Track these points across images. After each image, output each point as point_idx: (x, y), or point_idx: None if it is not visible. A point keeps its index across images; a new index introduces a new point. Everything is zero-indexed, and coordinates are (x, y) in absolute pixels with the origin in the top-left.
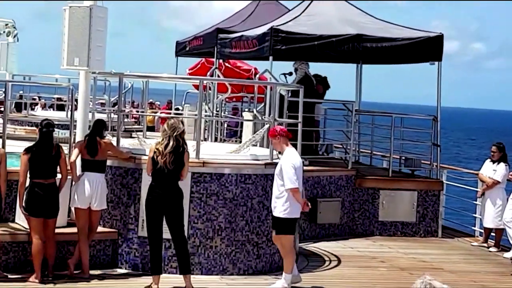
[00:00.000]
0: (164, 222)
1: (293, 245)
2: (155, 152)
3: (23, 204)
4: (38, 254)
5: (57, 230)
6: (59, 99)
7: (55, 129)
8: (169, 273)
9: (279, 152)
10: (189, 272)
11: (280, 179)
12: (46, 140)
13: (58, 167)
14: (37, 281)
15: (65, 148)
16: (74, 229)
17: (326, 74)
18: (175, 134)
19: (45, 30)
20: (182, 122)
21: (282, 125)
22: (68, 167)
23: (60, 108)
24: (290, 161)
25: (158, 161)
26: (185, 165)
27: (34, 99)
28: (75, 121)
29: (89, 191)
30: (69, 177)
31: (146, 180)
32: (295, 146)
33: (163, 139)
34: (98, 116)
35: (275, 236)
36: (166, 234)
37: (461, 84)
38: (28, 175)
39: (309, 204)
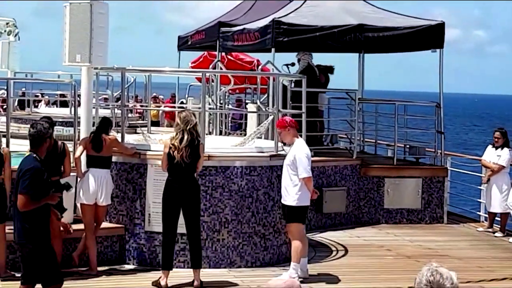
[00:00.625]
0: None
1: (304, 235)
2: (170, 147)
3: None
4: None
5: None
6: (62, 95)
7: (60, 127)
8: (177, 267)
9: (284, 144)
10: (200, 266)
11: (292, 169)
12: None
13: (62, 166)
14: None
15: (69, 145)
16: (80, 226)
17: (328, 63)
18: (188, 127)
19: (47, 28)
20: (194, 115)
21: (287, 116)
22: (73, 164)
23: (64, 104)
24: (303, 151)
25: (174, 156)
26: (200, 157)
27: (37, 96)
28: (79, 117)
29: (94, 187)
30: (73, 174)
31: (152, 175)
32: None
33: (177, 134)
34: (101, 112)
35: (290, 226)
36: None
37: (464, 71)
38: None
39: (317, 191)
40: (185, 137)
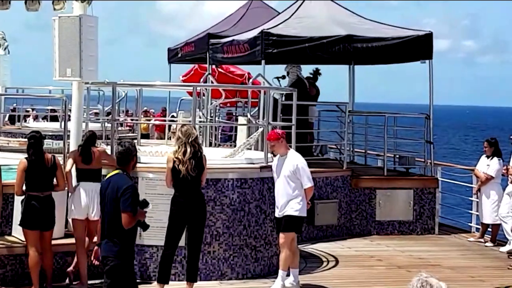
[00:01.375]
0: None
1: (296, 246)
2: (174, 161)
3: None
4: (35, 266)
5: (54, 242)
6: (52, 110)
7: (49, 140)
8: None
9: (274, 155)
10: (195, 280)
11: (293, 180)
12: (36, 149)
13: (55, 179)
14: None
15: (59, 158)
16: (71, 240)
17: (314, 69)
18: (190, 140)
19: (38, 42)
20: (195, 128)
21: (277, 128)
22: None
23: (54, 119)
24: (303, 160)
25: (180, 169)
26: (204, 169)
27: (28, 111)
28: (69, 131)
29: (86, 201)
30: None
31: (143, 188)
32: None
33: (179, 147)
34: (91, 125)
35: (284, 235)
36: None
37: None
38: (24, 188)
39: (309, 202)
40: (188, 149)
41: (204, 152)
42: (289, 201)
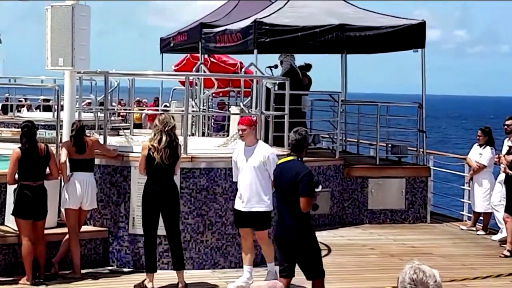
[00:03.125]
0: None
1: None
2: (150, 148)
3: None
4: (28, 255)
5: (47, 231)
6: (45, 100)
7: (42, 130)
8: (161, 269)
9: (244, 143)
10: (183, 267)
11: (261, 171)
12: (29, 138)
13: (48, 168)
14: (28, 283)
15: (52, 149)
16: (64, 230)
17: (312, 65)
18: (166, 128)
19: (30, 32)
20: (173, 117)
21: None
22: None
23: (47, 109)
24: (274, 151)
25: (154, 157)
26: (179, 159)
27: (21, 101)
28: (62, 121)
29: (80, 191)
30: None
31: (136, 178)
32: (282, 138)
33: (155, 135)
34: (84, 116)
35: (260, 234)
36: (159, 230)
37: (446, 72)
38: (17, 177)
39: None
40: (164, 138)
41: (180, 142)
42: (256, 194)
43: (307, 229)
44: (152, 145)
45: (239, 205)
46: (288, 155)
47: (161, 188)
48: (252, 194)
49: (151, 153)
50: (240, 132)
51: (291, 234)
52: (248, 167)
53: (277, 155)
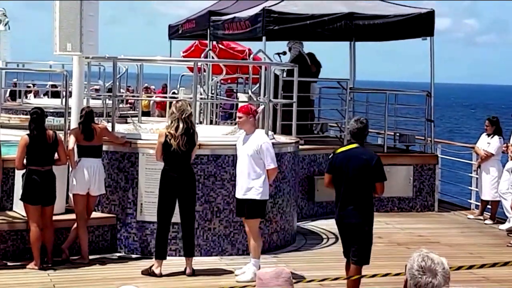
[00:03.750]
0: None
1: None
2: (167, 135)
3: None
4: (36, 241)
5: (55, 217)
6: (53, 86)
7: (50, 117)
8: (168, 255)
9: (245, 132)
10: (193, 254)
11: (256, 160)
12: (38, 124)
13: (57, 154)
14: (36, 267)
15: (60, 135)
16: (72, 216)
17: (319, 53)
18: (183, 116)
19: (38, 19)
20: (190, 105)
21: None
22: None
23: (55, 95)
24: (268, 141)
25: (171, 144)
26: (195, 146)
27: (29, 86)
28: (70, 108)
29: (87, 177)
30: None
31: (143, 164)
32: (290, 126)
33: (172, 122)
34: (92, 102)
35: (249, 222)
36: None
37: (454, 60)
38: (25, 162)
39: (272, 184)
40: (181, 125)
41: (196, 129)
42: (250, 182)
43: (372, 214)
44: (169, 132)
45: (237, 192)
46: (350, 143)
47: (179, 174)
48: (246, 182)
49: (168, 140)
50: (237, 119)
51: (358, 219)
52: (244, 155)
53: (280, 143)
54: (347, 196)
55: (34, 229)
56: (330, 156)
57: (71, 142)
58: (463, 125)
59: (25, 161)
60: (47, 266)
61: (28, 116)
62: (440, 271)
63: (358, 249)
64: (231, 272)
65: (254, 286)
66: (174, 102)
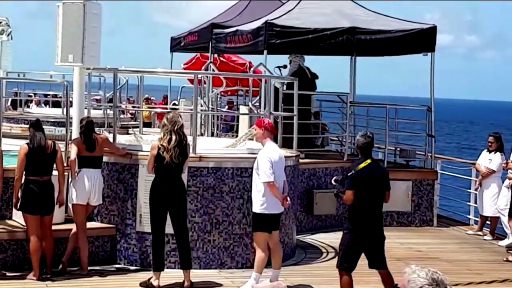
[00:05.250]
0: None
1: (277, 244)
2: (159, 148)
3: (19, 200)
4: (36, 251)
5: (55, 227)
6: (54, 95)
7: (52, 127)
8: (167, 267)
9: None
10: (190, 267)
11: (257, 173)
12: (36, 132)
13: (55, 165)
14: (35, 278)
15: (61, 146)
16: (72, 225)
17: (320, 66)
18: (176, 128)
19: (39, 30)
20: (180, 116)
21: (271, 119)
22: (65, 164)
23: (56, 105)
24: (266, 154)
25: (164, 156)
26: (187, 158)
27: (30, 96)
28: (71, 118)
29: (88, 187)
30: (65, 173)
31: (143, 176)
32: (291, 139)
33: (164, 134)
34: (93, 112)
35: (253, 235)
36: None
37: (456, 76)
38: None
39: (288, 199)
40: (173, 137)
41: (193, 142)
42: (254, 195)
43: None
44: (162, 145)
45: None
46: (366, 158)
47: (169, 186)
48: (252, 195)
49: (161, 153)
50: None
51: (381, 227)
52: (254, 169)
53: (292, 157)
54: (377, 209)
55: (33, 239)
56: (351, 174)
57: (73, 152)
58: (461, 141)
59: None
60: (46, 277)
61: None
62: (447, 283)
63: (380, 253)
64: (230, 285)
65: None
66: (165, 114)
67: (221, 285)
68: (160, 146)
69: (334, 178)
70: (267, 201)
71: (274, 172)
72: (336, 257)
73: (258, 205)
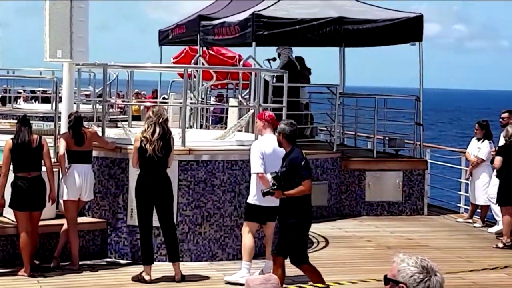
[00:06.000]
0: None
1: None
2: (142, 140)
3: (4, 200)
4: (25, 247)
5: (46, 222)
6: (43, 91)
7: (40, 122)
8: (158, 261)
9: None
10: (178, 259)
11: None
12: (22, 128)
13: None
14: (25, 274)
15: (49, 140)
16: (63, 221)
17: (309, 58)
18: (160, 121)
19: (28, 26)
20: (166, 110)
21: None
22: (54, 160)
23: (45, 100)
24: (258, 145)
25: (147, 149)
26: (171, 151)
27: (19, 92)
28: (60, 113)
29: (79, 183)
30: (55, 169)
31: (134, 170)
32: None
33: (148, 126)
34: (82, 107)
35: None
36: (155, 222)
37: (444, 66)
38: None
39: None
40: (157, 129)
41: (172, 135)
42: (251, 186)
43: None
44: (144, 137)
45: None
46: (293, 145)
47: (153, 180)
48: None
49: (143, 145)
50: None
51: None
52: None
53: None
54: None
55: (23, 235)
56: (304, 163)
57: (62, 147)
58: (450, 130)
59: (12, 168)
60: (38, 273)
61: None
62: (435, 267)
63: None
64: (221, 277)
65: None
66: (169, 108)
67: (212, 277)
68: (142, 138)
69: (269, 175)
70: (259, 192)
71: (264, 164)
72: (325, 247)
73: (251, 195)
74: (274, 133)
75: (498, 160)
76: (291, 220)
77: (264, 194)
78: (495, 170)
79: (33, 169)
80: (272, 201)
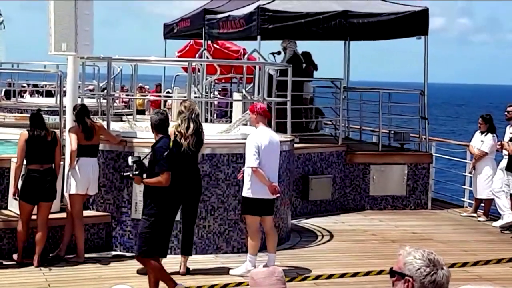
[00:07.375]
0: None
1: (272, 229)
2: (176, 135)
3: (18, 190)
4: (21, 237)
5: (50, 216)
6: (48, 85)
7: (45, 115)
8: None
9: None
10: (190, 253)
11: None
12: (37, 123)
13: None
14: (16, 260)
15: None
16: (64, 215)
17: (314, 52)
18: (193, 115)
19: (33, 20)
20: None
21: (264, 104)
22: (63, 155)
23: (49, 94)
24: (253, 139)
25: (181, 143)
26: (202, 146)
27: (24, 86)
28: (64, 106)
29: (87, 177)
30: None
31: None
32: (284, 124)
33: (182, 122)
34: (87, 101)
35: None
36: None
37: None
38: (25, 162)
39: (278, 190)
40: (191, 125)
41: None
42: (245, 178)
43: None
44: (179, 132)
45: None
46: (164, 135)
47: (187, 175)
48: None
49: (178, 139)
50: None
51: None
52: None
53: (286, 142)
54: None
55: (19, 226)
56: (167, 153)
57: (74, 142)
58: (454, 124)
59: (24, 161)
60: (46, 265)
61: (24, 115)
62: (442, 261)
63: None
64: (226, 270)
65: (247, 284)
66: (174, 102)
67: (217, 270)
68: (177, 132)
69: (130, 158)
70: (253, 185)
71: (260, 157)
72: (329, 241)
73: (246, 188)
74: (267, 125)
75: None
76: (146, 211)
77: (123, 177)
78: (500, 164)
79: (46, 161)
80: (267, 194)
